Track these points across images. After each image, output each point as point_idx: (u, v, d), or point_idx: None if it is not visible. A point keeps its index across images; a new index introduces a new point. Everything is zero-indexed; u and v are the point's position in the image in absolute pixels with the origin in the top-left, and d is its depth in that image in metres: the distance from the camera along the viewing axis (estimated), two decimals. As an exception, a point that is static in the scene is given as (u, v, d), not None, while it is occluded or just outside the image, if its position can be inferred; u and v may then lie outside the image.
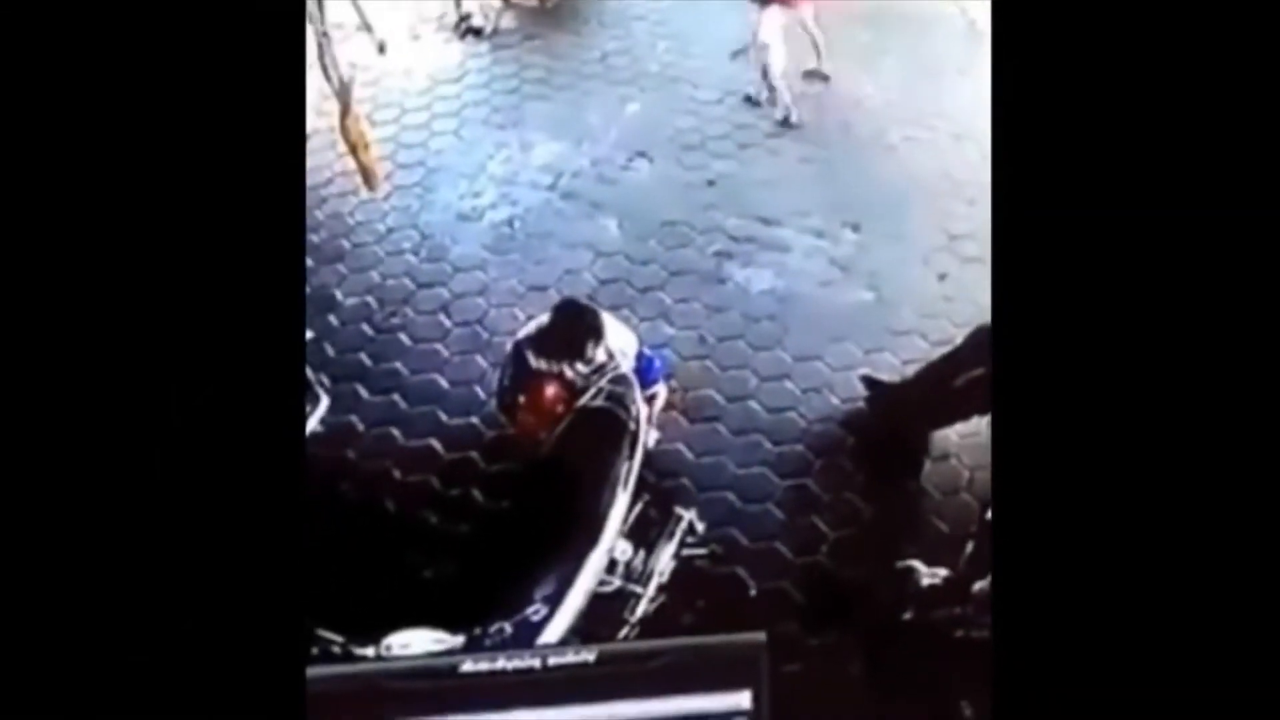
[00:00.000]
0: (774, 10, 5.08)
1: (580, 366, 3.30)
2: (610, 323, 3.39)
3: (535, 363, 3.33)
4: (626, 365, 3.34)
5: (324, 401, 3.84)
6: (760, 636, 1.28)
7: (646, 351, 3.53)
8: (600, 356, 3.30)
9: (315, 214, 4.80)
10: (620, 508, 3.06)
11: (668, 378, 3.88)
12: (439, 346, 4.30)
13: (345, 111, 4.24)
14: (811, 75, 5.45)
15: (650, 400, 3.45)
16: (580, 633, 2.83)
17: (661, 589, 3.21)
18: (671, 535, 3.33)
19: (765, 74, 5.21)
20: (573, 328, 3.29)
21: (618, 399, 3.21)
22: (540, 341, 3.35)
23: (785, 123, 5.26)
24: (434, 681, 1.27)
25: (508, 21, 5.96)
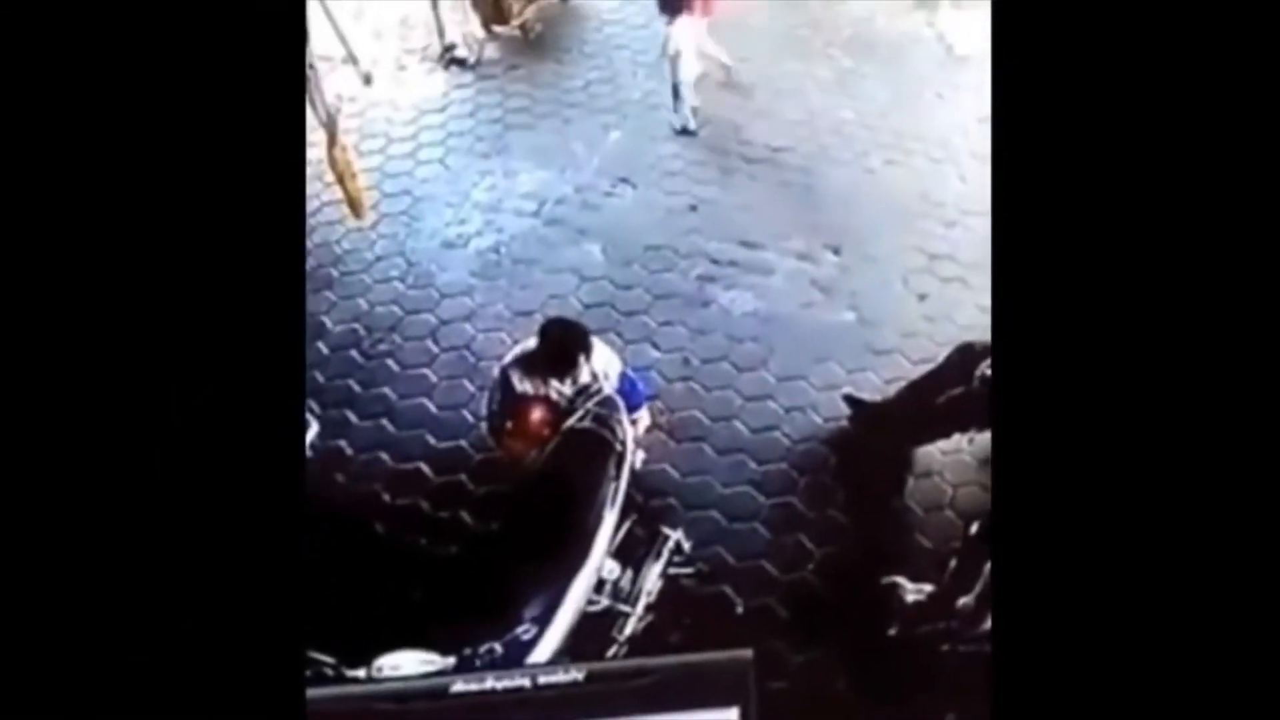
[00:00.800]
0: (683, 22, 5.16)
1: (566, 387, 3.33)
2: (595, 345, 3.43)
3: (521, 386, 3.36)
4: (610, 388, 3.37)
5: (314, 427, 3.87)
6: (747, 653, 1.30)
7: (630, 374, 3.56)
8: (585, 376, 3.34)
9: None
10: (608, 527, 3.08)
11: (651, 399, 3.91)
12: (427, 371, 4.33)
13: (332, 142, 4.29)
14: (726, 86, 5.54)
15: (635, 422, 3.48)
16: (569, 652, 2.84)
17: (649, 608, 3.24)
18: (659, 554, 3.36)
19: (675, 86, 5.30)
20: (559, 343, 3.32)
21: (604, 420, 3.24)
22: (526, 364, 3.38)
23: (684, 131, 5.36)
24: (425, 702, 1.29)
25: (491, 52, 6.01)
